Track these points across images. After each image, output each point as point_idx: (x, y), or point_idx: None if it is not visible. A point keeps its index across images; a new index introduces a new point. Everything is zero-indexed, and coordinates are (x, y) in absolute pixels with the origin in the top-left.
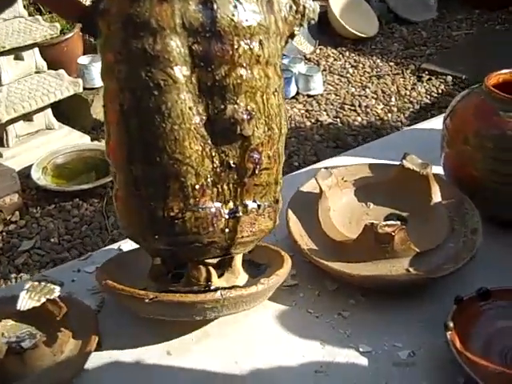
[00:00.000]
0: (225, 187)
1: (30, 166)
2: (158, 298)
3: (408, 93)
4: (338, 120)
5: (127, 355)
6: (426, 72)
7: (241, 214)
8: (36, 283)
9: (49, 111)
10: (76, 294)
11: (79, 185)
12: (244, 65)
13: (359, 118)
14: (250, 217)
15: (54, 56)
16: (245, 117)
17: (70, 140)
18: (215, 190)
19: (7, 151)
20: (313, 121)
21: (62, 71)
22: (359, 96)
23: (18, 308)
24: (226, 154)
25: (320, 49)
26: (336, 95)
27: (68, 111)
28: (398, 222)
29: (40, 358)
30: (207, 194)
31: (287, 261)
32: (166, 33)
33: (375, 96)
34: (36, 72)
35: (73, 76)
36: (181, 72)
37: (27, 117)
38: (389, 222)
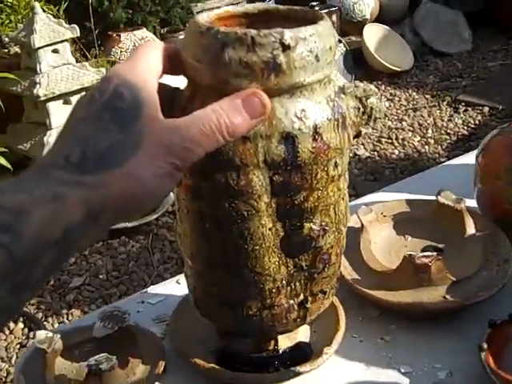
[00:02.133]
0: (297, 284)
1: None
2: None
3: (445, 124)
4: (376, 153)
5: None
6: (463, 103)
7: (309, 304)
8: (108, 313)
9: None
10: (142, 324)
11: (125, 223)
12: (320, 188)
13: (396, 151)
14: (318, 303)
15: None
16: (320, 233)
17: None
18: (289, 288)
19: None
20: (351, 155)
21: None
22: (396, 129)
23: (94, 335)
24: (299, 259)
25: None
26: (373, 129)
27: None
28: (435, 253)
29: (116, 379)
30: (282, 293)
31: (341, 316)
32: (250, 169)
33: (412, 128)
34: None
35: None
36: (262, 201)
37: None
38: (426, 253)
